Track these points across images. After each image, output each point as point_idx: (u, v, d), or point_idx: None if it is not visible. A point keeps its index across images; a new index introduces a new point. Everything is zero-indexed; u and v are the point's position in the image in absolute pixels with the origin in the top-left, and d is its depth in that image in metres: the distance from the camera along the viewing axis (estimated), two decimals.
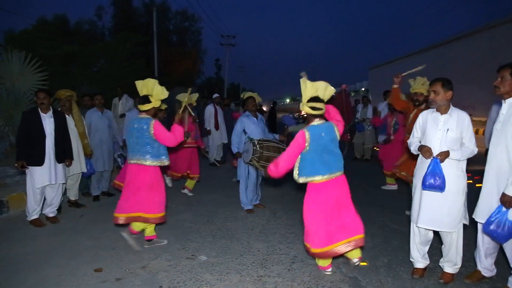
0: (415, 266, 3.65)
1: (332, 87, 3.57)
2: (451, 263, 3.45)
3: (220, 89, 37.14)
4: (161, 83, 4.18)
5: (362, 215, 3.48)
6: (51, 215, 5.19)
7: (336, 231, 3.45)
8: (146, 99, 4.11)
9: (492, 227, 3.01)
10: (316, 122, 3.52)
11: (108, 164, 6.39)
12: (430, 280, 3.51)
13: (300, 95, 3.66)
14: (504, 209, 3.00)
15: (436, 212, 3.34)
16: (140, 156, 4.11)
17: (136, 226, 4.20)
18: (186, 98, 4.95)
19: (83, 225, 5.06)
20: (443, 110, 3.37)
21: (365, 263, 3.87)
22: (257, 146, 5.04)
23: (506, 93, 3.15)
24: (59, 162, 5.09)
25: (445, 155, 3.27)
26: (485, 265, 3.44)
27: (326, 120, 3.63)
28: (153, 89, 4.11)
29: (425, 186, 3.29)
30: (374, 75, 35.17)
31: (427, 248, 3.63)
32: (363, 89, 42.96)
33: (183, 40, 36.59)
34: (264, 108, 25.25)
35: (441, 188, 3.24)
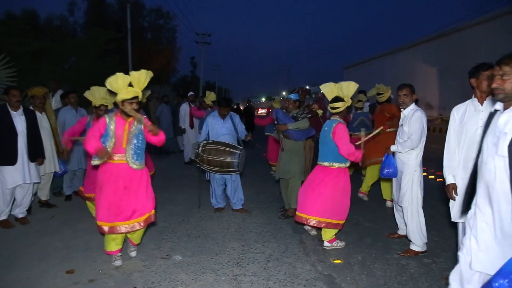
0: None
1: (356, 83, 4.13)
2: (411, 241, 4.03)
3: (196, 87, 36.86)
4: None
5: None
6: (20, 216, 5.03)
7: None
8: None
9: None
10: (337, 118, 4.22)
11: (82, 162, 6.23)
12: (403, 277, 3.60)
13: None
14: None
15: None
16: None
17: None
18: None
19: (54, 226, 4.93)
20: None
21: (339, 261, 3.93)
22: (199, 149, 5.19)
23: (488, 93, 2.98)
24: (31, 161, 4.95)
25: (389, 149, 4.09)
26: None
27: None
28: None
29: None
30: (348, 75, 35.68)
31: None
32: None
33: (158, 37, 36.13)
34: (241, 107, 25.29)
35: (390, 175, 4.10)
